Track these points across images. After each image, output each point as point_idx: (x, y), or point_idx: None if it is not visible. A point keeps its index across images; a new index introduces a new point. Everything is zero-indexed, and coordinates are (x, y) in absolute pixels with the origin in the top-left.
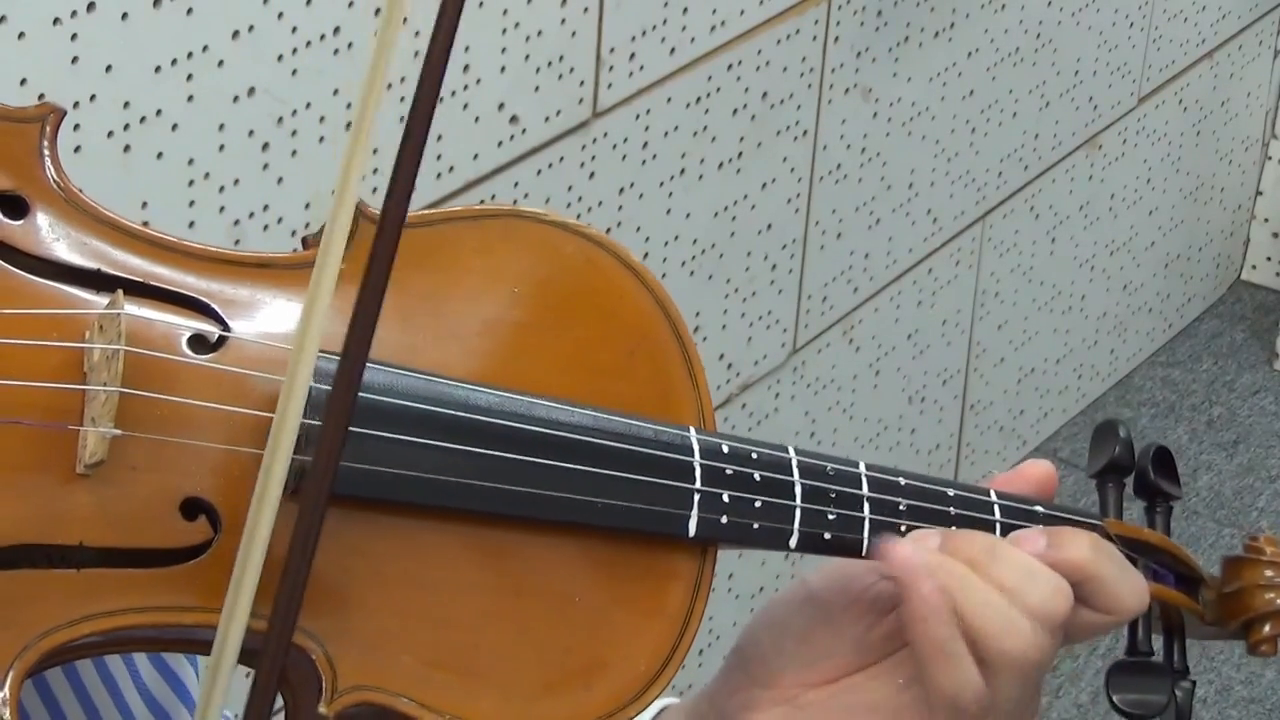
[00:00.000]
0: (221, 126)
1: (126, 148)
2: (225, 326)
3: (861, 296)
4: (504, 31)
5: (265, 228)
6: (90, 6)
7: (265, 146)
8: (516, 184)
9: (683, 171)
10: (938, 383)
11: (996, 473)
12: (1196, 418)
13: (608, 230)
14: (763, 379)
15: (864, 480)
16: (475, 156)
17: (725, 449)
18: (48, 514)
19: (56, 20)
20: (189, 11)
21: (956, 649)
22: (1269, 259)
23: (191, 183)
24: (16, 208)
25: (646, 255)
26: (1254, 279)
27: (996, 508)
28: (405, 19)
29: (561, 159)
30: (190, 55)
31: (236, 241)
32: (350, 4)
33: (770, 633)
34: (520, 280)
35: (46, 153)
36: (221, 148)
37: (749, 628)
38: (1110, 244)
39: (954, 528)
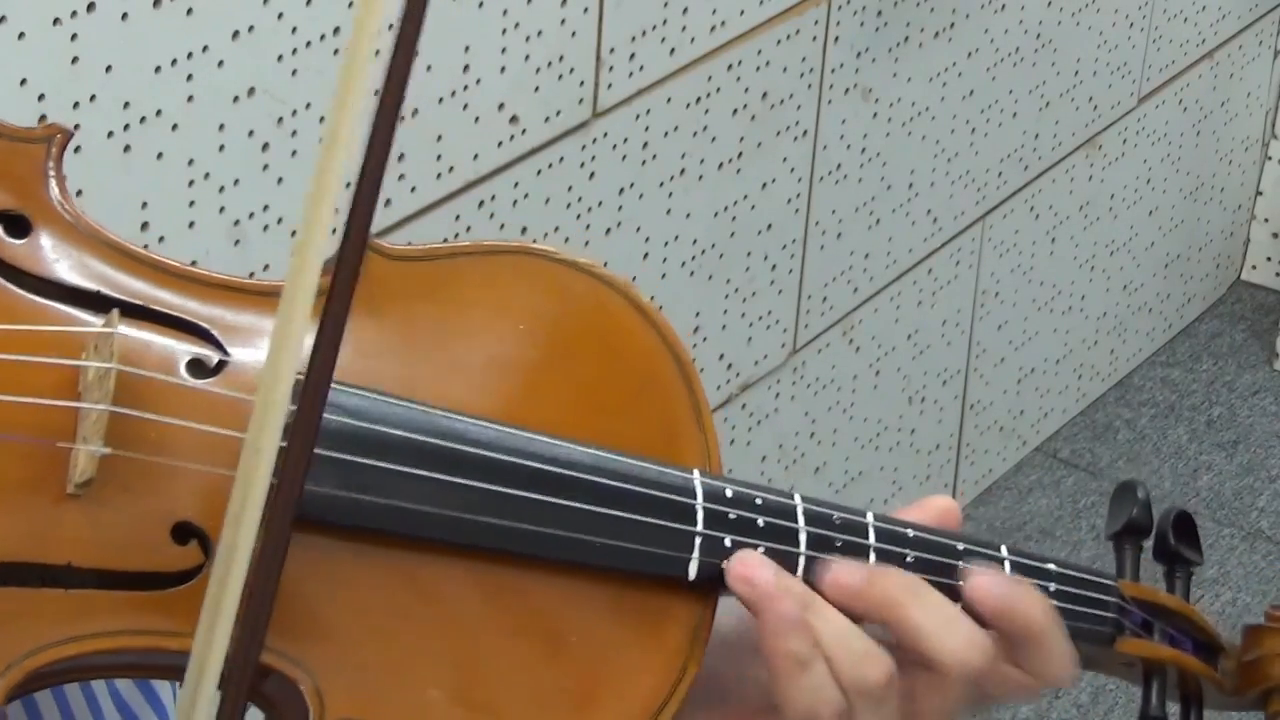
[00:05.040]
0: (221, 126)
1: (126, 148)
2: (224, 352)
3: (861, 296)
4: (504, 31)
5: (265, 228)
6: (90, 6)
7: (265, 146)
8: (516, 184)
9: (683, 171)
10: (938, 383)
11: (898, 504)
12: (1196, 418)
13: (607, 230)
14: (763, 379)
15: (871, 530)
16: (475, 156)
17: (729, 493)
18: (37, 532)
19: (56, 20)
20: (189, 11)
21: (813, 663)
22: (1269, 259)
23: (191, 183)
24: (19, 227)
25: (646, 255)
26: (1254, 279)
27: (1008, 564)
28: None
29: (561, 159)
30: (190, 55)
31: (236, 242)
32: (350, 4)
33: None
34: (528, 317)
35: (52, 173)
36: (221, 148)
37: None
38: (1110, 244)
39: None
